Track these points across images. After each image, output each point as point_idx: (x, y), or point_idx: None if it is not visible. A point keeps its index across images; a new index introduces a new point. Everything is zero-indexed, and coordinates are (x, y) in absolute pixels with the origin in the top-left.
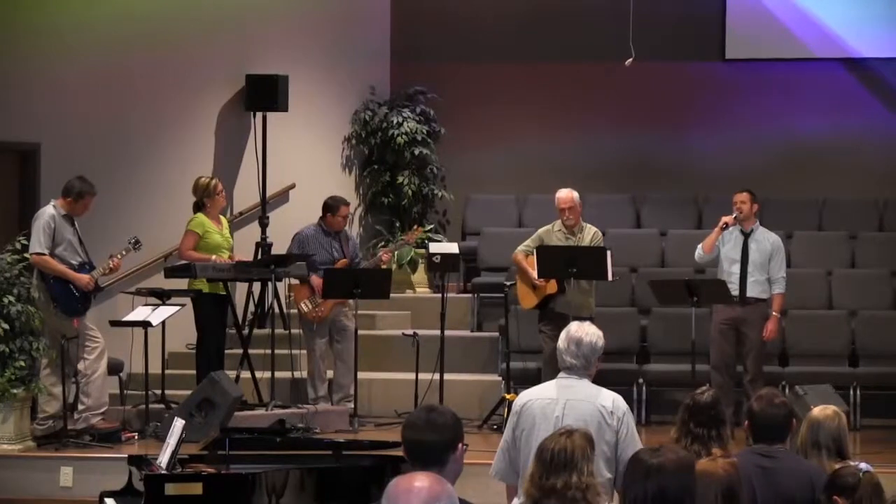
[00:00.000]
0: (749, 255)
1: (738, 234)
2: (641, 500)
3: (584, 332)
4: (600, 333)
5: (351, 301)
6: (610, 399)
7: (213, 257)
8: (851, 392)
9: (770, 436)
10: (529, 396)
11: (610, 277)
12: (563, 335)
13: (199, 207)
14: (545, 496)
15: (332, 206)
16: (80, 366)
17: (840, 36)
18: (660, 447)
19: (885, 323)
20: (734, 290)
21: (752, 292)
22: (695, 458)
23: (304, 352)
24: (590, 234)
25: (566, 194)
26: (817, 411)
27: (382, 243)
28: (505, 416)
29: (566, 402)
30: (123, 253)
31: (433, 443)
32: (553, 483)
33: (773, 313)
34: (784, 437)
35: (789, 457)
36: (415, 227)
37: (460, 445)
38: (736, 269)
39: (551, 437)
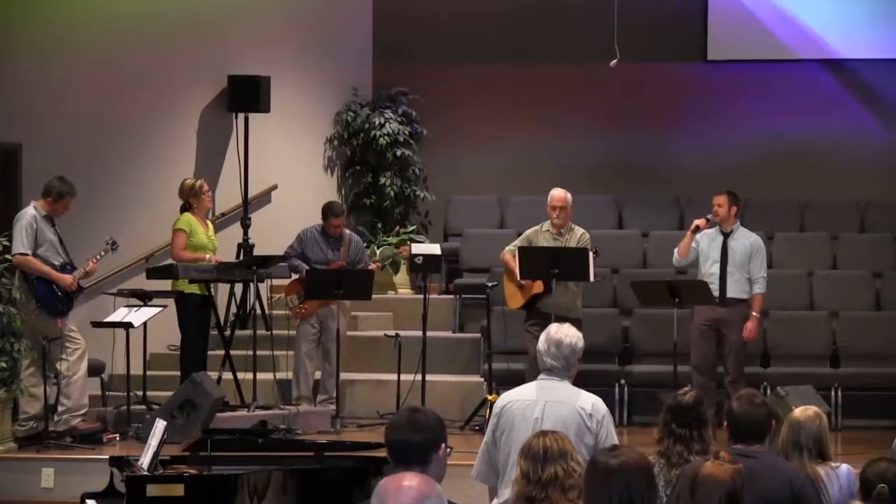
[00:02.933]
0: (729, 256)
1: (719, 235)
2: (607, 501)
3: (564, 333)
4: (580, 335)
5: (346, 302)
6: (589, 402)
7: (207, 256)
8: (833, 393)
9: (750, 436)
10: (509, 398)
11: (592, 278)
12: (542, 337)
13: (185, 209)
14: (542, 489)
15: (324, 213)
16: (61, 367)
17: (821, 37)
18: (616, 448)
19: (867, 324)
20: (714, 290)
21: (732, 293)
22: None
23: (285, 353)
24: (577, 236)
25: (560, 193)
26: (798, 412)
27: (365, 244)
28: (487, 417)
29: (546, 403)
30: (101, 255)
31: (416, 443)
32: (551, 472)
33: (753, 314)
34: (763, 437)
35: (769, 457)
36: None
37: (443, 446)
38: (716, 269)
39: (534, 437)
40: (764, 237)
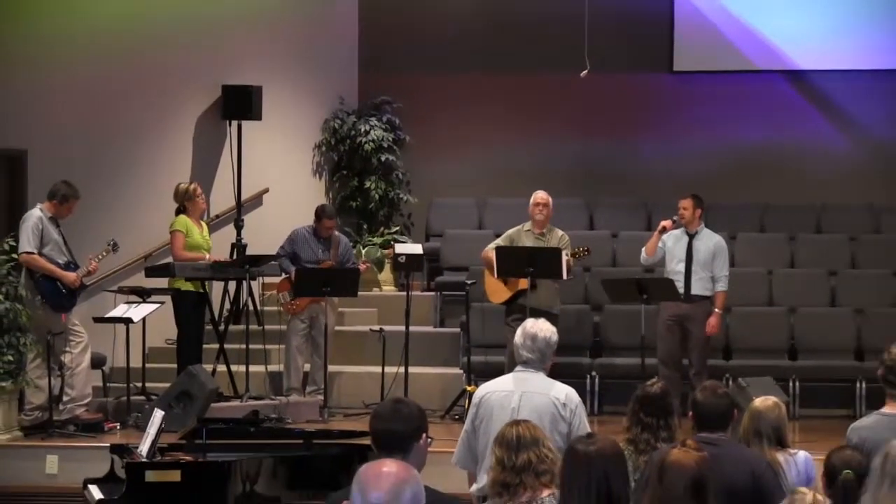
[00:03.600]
0: (693, 255)
1: (684, 236)
2: (585, 485)
3: (539, 328)
4: (554, 329)
5: (334, 299)
6: (563, 392)
7: (207, 255)
8: (791, 384)
9: (713, 425)
10: (488, 389)
11: (565, 276)
12: (519, 331)
13: (180, 212)
14: (516, 474)
15: (317, 215)
16: (65, 359)
17: (782, 49)
18: (592, 436)
19: (823, 319)
20: (679, 287)
21: (696, 290)
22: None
23: (276, 347)
24: (557, 237)
25: (543, 195)
26: (759, 402)
27: (351, 244)
28: (466, 407)
29: (522, 394)
30: (102, 255)
31: (399, 432)
32: (525, 458)
33: (716, 310)
34: (726, 425)
35: (731, 444)
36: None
37: (424, 436)
38: (681, 267)
39: (507, 426)
40: (726, 238)
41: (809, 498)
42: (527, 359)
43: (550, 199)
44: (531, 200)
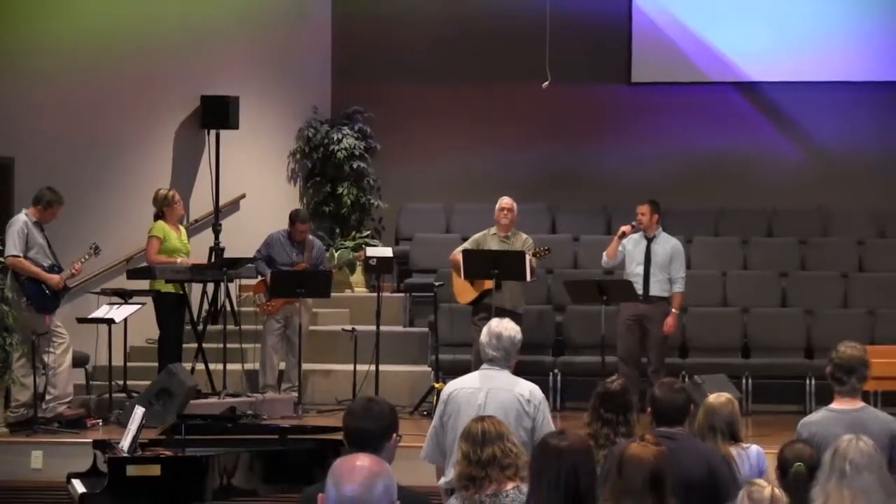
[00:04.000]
0: (651, 258)
1: (643, 240)
2: (554, 478)
3: (504, 327)
4: (518, 329)
5: (309, 300)
6: (527, 389)
7: (179, 259)
8: (743, 381)
9: (671, 419)
10: (455, 386)
11: (528, 278)
12: (484, 330)
13: (158, 217)
14: (482, 468)
15: (291, 219)
16: (49, 359)
17: (734, 62)
18: (563, 431)
19: (774, 319)
20: (638, 288)
21: (654, 291)
22: (591, 439)
23: (253, 346)
24: (522, 240)
25: (508, 200)
26: (713, 398)
27: (325, 248)
28: (434, 403)
29: (488, 391)
30: (85, 258)
31: (370, 430)
32: (490, 453)
33: (673, 310)
34: (683, 420)
35: (688, 439)
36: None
37: (394, 436)
38: (640, 270)
39: (473, 422)
40: (683, 241)
41: (768, 491)
42: (492, 357)
43: (515, 205)
44: (497, 206)
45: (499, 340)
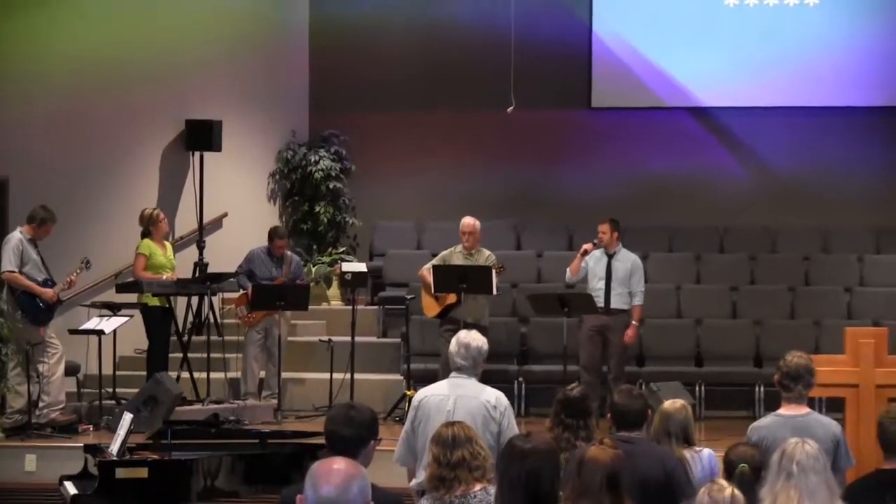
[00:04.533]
0: (612, 273)
1: (603, 256)
2: (517, 477)
3: (472, 338)
4: (485, 340)
5: (288, 312)
6: (493, 395)
7: (164, 276)
8: (697, 388)
9: (630, 424)
10: (426, 393)
11: (495, 292)
12: (453, 341)
13: (145, 235)
14: (452, 470)
15: (270, 236)
16: (42, 368)
17: (687, 88)
18: (529, 434)
19: (725, 330)
20: (600, 302)
21: (615, 304)
22: (554, 443)
23: (235, 355)
24: (485, 256)
25: (469, 220)
26: (668, 404)
27: (303, 263)
28: (406, 409)
29: (457, 397)
30: (77, 272)
31: (348, 437)
32: (460, 455)
33: (633, 322)
34: (641, 425)
35: (645, 443)
36: (335, 255)
37: (372, 443)
38: (601, 284)
39: (443, 427)
40: (641, 256)
41: (728, 491)
42: (460, 365)
43: (477, 224)
44: (459, 227)
45: (467, 350)
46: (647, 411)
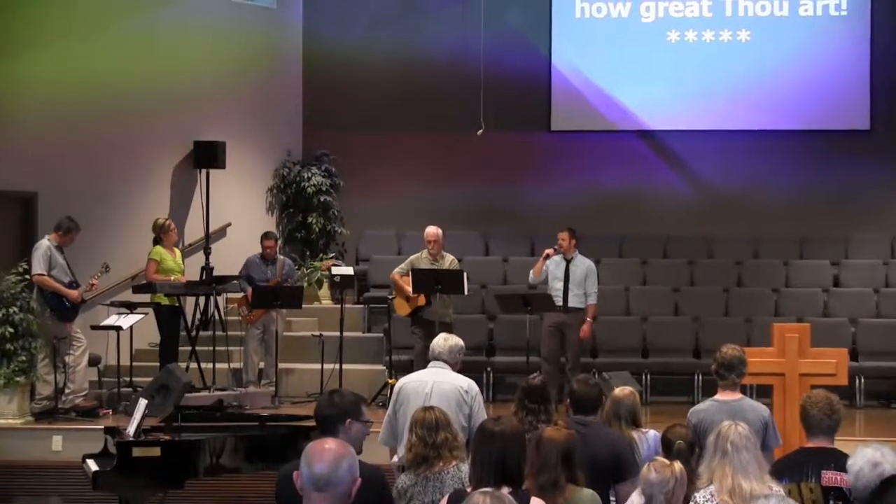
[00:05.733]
0: (570, 276)
1: (562, 261)
2: (487, 457)
3: (453, 337)
4: (461, 342)
5: (283, 310)
6: (466, 382)
7: (174, 278)
8: (643, 377)
9: (585, 409)
10: (406, 380)
11: (466, 292)
12: (438, 338)
13: (156, 242)
14: (435, 450)
15: (261, 238)
16: (68, 360)
17: (635, 114)
18: (499, 418)
19: (668, 326)
20: (559, 301)
21: (572, 303)
22: (521, 426)
23: (237, 348)
24: (448, 261)
25: (433, 230)
26: (618, 391)
27: (296, 267)
28: (388, 395)
29: (434, 383)
30: (98, 275)
31: (328, 415)
32: (443, 437)
33: (588, 319)
34: (596, 410)
35: (598, 426)
36: (325, 260)
37: (348, 421)
38: (560, 285)
39: (425, 411)
40: (594, 261)
41: (677, 466)
42: (438, 354)
43: (440, 232)
44: (424, 235)
45: (445, 342)
46: (601, 398)
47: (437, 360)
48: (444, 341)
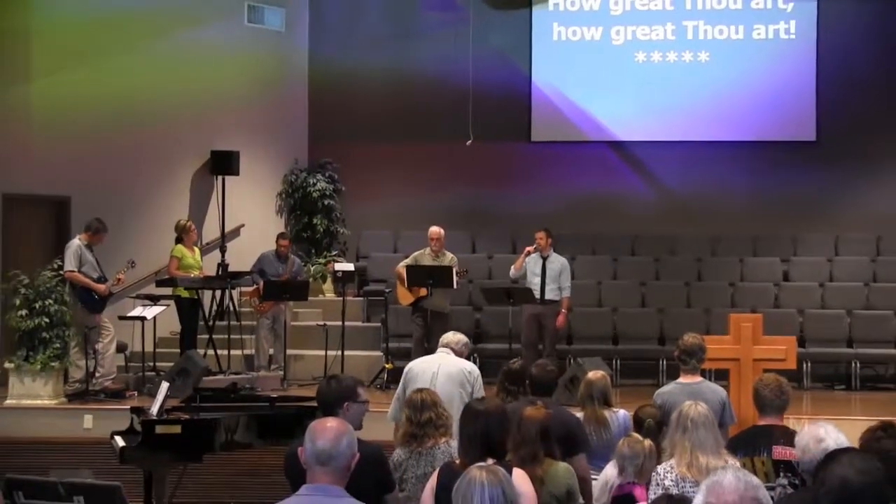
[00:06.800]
0: (547, 272)
1: (540, 258)
2: (473, 433)
3: (461, 335)
4: (468, 339)
5: (291, 302)
6: (469, 366)
7: (193, 274)
8: (614, 361)
9: (542, 391)
10: (416, 363)
11: (455, 286)
12: (448, 333)
13: (178, 241)
14: (421, 428)
15: (277, 238)
16: (98, 347)
17: (606, 126)
18: (484, 399)
19: (636, 316)
20: (536, 294)
21: (549, 296)
22: (503, 405)
23: (250, 337)
24: (448, 258)
25: (436, 229)
26: (591, 374)
27: (303, 263)
28: (385, 379)
29: (440, 365)
30: (125, 270)
31: (328, 398)
32: (427, 416)
33: (563, 310)
34: (551, 391)
35: (553, 405)
36: (327, 259)
37: (346, 404)
38: (538, 280)
39: (413, 393)
40: (569, 259)
41: (648, 443)
42: (447, 343)
43: (442, 232)
44: (428, 234)
45: (454, 335)
46: (556, 381)
47: (446, 347)
48: (453, 335)
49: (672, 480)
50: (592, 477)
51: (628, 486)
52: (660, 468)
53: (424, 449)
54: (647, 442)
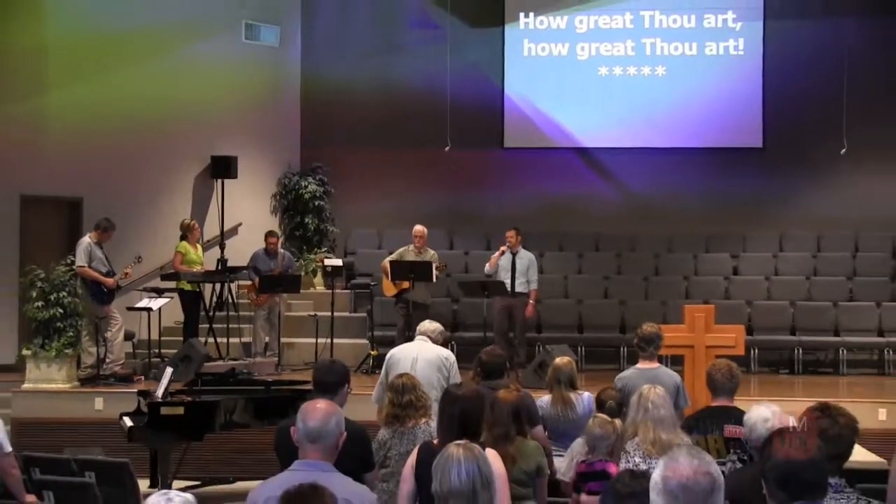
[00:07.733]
0: (516, 267)
1: (510, 254)
2: (452, 415)
3: (437, 324)
4: (442, 328)
5: (285, 295)
6: (445, 352)
7: (196, 268)
8: (579, 348)
9: (492, 375)
10: (398, 349)
11: (434, 280)
12: (425, 322)
13: (183, 238)
14: (402, 410)
15: (265, 236)
16: (107, 335)
17: (573, 133)
18: (461, 384)
19: (599, 308)
20: (508, 287)
21: (518, 289)
22: (479, 390)
23: (248, 326)
24: (430, 254)
25: (419, 228)
26: (558, 360)
27: (295, 259)
28: (370, 364)
29: (419, 351)
30: (132, 264)
31: (329, 381)
32: (408, 399)
33: (531, 301)
34: (501, 375)
35: (503, 386)
36: (318, 255)
37: (346, 386)
38: (508, 275)
39: (395, 378)
40: (537, 255)
41: (618, 423)
42: (425, 331)
43: (425, 230)
44: (413, 232)
45: (431, 324)
46: (505, 366)
47: (423, 335)
48: (430, 324)
49: (640, 457)
50: (559, 453)
51: (600, 463)
52: (628, 446)
53: (406, 429)
54: (617, 422)
